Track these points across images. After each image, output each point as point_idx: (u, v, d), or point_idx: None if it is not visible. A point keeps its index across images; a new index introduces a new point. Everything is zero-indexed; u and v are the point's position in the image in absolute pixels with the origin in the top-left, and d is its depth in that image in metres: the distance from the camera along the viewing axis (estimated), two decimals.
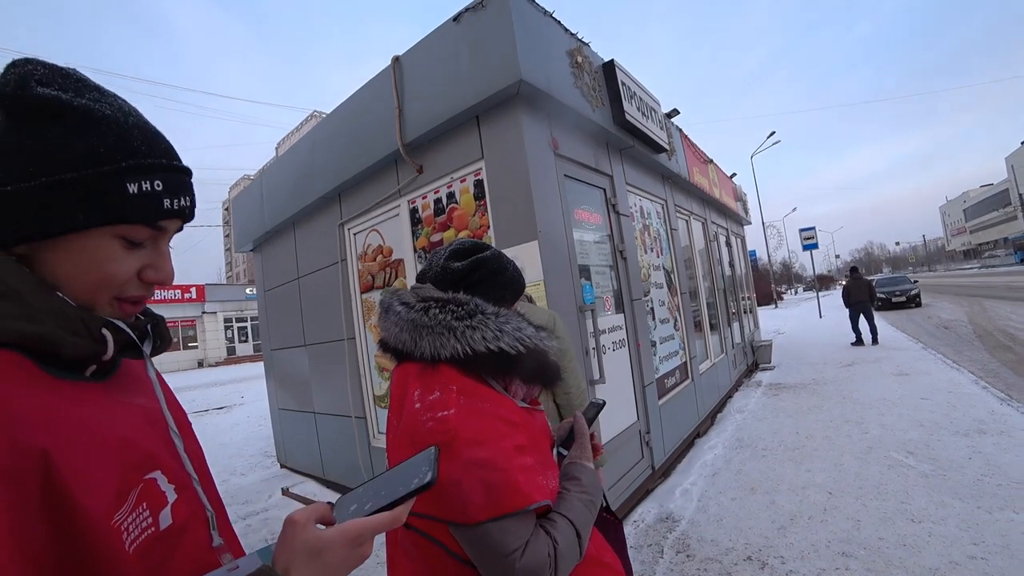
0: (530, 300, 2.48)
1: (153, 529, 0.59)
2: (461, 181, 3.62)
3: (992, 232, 76.83)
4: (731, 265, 9.73)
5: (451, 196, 3.70)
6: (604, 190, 4.31)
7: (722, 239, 9.25)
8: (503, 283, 1.10)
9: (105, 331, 0.62)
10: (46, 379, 0.56)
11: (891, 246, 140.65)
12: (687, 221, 7.10)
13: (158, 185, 0.63)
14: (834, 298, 37.53)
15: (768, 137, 25.27)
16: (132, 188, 0.61)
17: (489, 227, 3.42)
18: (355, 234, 4.70)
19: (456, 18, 3.37)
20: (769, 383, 8.14)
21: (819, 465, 4.27)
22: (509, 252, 3.17)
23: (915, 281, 21.72)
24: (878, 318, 13.08)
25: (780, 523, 3.38)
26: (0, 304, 0.54)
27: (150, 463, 0.62)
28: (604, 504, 1.94)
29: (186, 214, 0.69)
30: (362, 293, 4.65)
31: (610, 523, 1.83)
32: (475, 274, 1.08)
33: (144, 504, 0.59)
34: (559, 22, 3.69)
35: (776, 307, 32.27)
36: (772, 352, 10.14)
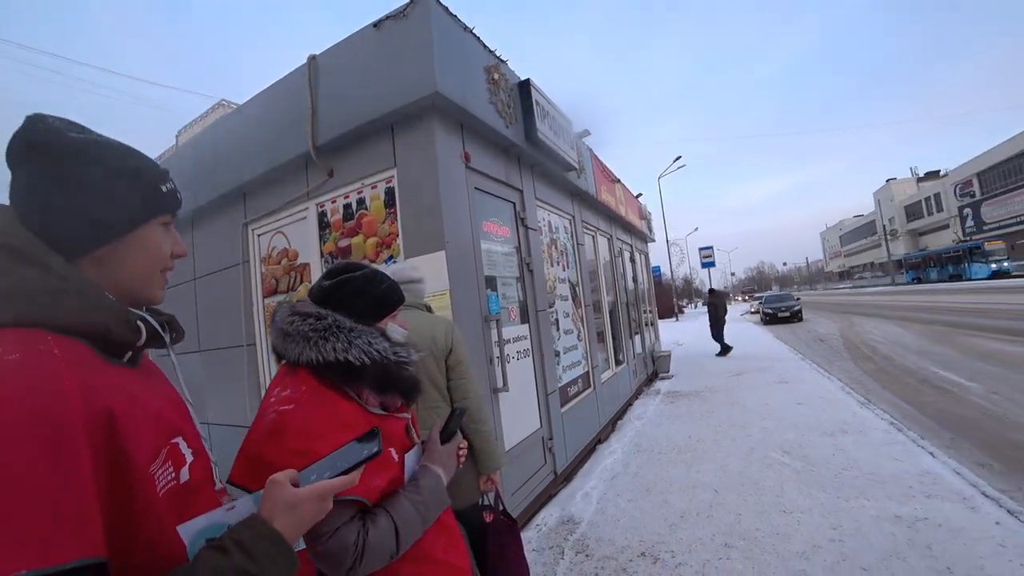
0: (428, 309, 2.51)
1: (175, 482, 0.76)
2: (372, 187, 3.63)
3: (863, 256, 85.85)
4: (634, 280, 10.25)
5: (361, 202, 3.69)
6: (514, 204, 4.45)
7: (626, 255, 9.74)
8: (368, 302, 1.23)
9: (139, 322, 0.79)
10: (101, 361, 0.73)
11: (779, 266, 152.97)
12: (594, 237, 7.43)
13: (171, 184, 0.88)
14: (730, 312, 40.11)
15: (674, 161, 26.84)
16: (164, 188, 0.85)
17: (398, 235, 3.45)
18: (259, 235, 4.54)
19: (377, 24, 3.39)
20: (667, 391, 8.63)
21: (707, 466, 4.62)
22: (416, 261, 3.22)
23: (798, 298, 24.53)
24: (767, 330, 14.27)
25: (671, 520, 3.64)
26: (71, 299, 0.70)
27: (175, 431, 0.80)
28: (501, 507, 2.04)
29: (181, 204, 0.91)
30: (265, 297, 4.48)
31: (505, 525, 1.92)
32: (339, 292, 1.21)
33: (170, 462, 0.76)
34: (478, 38, 3.80)
35: (677, 320, 34.06)
36: (671, 362, 10.78)
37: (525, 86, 4.44)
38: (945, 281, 40.23)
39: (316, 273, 3.99)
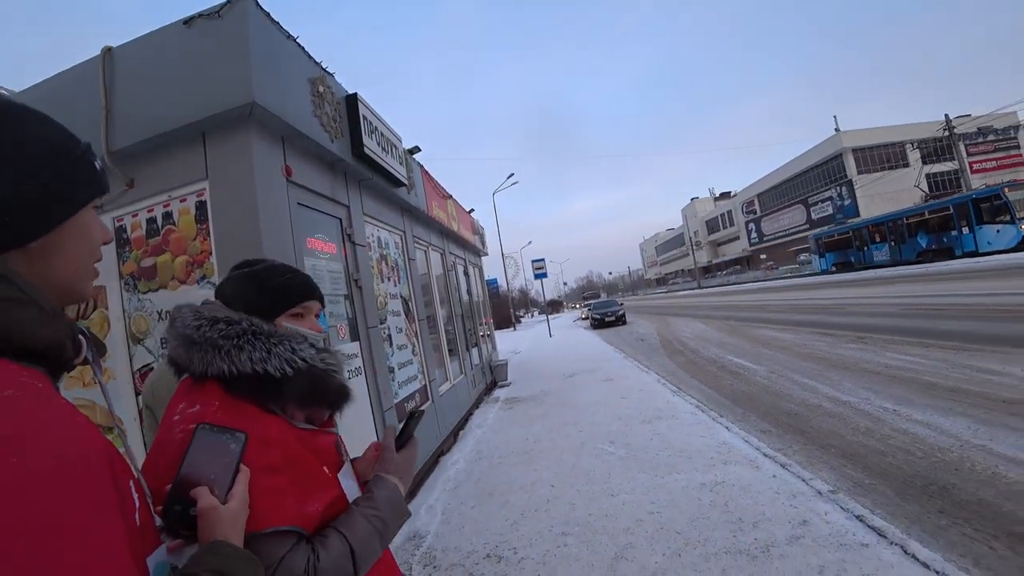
0: None
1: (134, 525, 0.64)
2: (181, 201, 3.31)
3: (675, 265, 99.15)
4: (468, 292, 10.54)
5: (168, 216, 3.35)
6: (340, 220, 4.36)
7: (460, 268, 9.98)
8: (264, 296, 1.09)
9: (80, 336, 0.67)
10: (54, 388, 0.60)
11: (606, 275, 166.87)
12: (425, 251, 7.52)
13: (100, 161, 0.72)
14: (562, 320, 42.96)
15: (508, 178, 28.04)
16: (97, 164, 0.70)
17: (211, 253, 3.19)
18: None
19: (187, 22, 3.12)
20: (506, 398, 9.00)
21: (544, 463, 4.92)
22: None
23: (622, 304, 28.02)
24: (596, 334, 15.89)
25: (513, 519, 3.82)
26: (25, 312, 0.57)
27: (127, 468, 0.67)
28: None
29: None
30: None
31: None
32: (228, 286, 1.10)
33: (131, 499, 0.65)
34: (303, 48, 3.68)
35: (515, 329, 35.55)
36: (508, 370, 11.21)
37: (352, 100, 4.40)
38: (912, 263, 26.08)
39: (113, 297, 3.52)
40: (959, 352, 6.59)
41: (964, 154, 34.35)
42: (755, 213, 63.34)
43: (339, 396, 1.10)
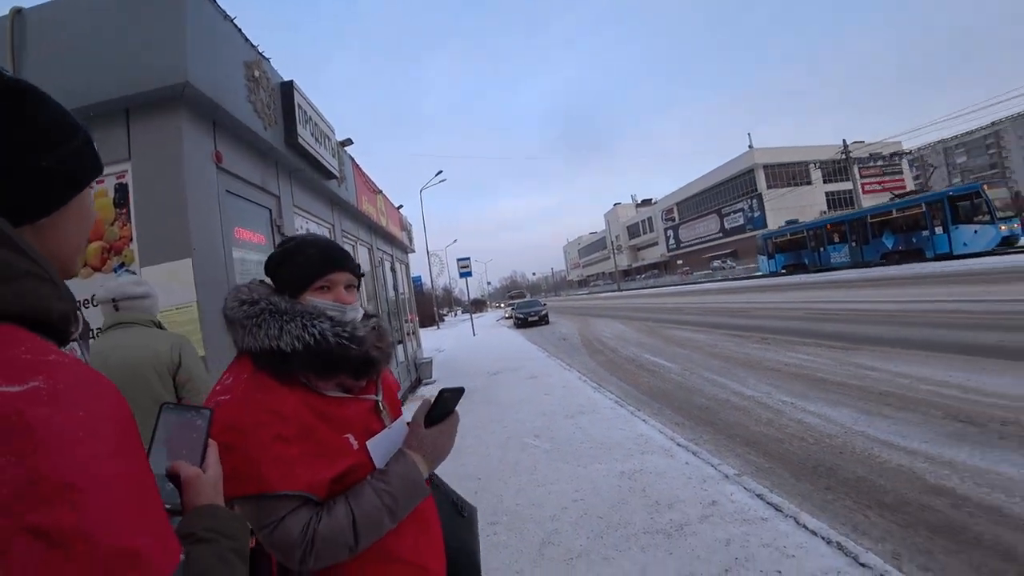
0: (159, 326, 2.31)
1: None
2: (98, 182, 3.10)
3: (597, 267, 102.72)
4: (395, 289, 10.43)
5: None
6: (270, 210, 4.24)
7: (387, 264, 9.87)
8: (290, 273, 1.14)
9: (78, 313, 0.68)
10: None
11: (530, 275, 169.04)
12: (354, 246, 7.39)
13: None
14: (486, 319, 43.19)
15: (436, 175, 27.84)
16: (96, 146, 0.71)
17: (132, 239, 3.01)
18: None
19: None
20: (430, 396, 8.97)
21: (471, 459, 4.97)
22: (155, 270, 2.88)
23: (545, 304, 28.52)
24: (519, 333, 16.33)
25: None
26: (43, 287, 0.58)
27: None
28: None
29: None
30: None
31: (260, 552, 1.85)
32: (269, 264, 1.17)
33: None
34: (240, 30, 3.55)
35: (438, 328, 35.31)
36: (433, 368, 11.19)
37: (288, 88, 4.28)
38: (877, 264, 24.35)
39: None
40: (846, 351, 7.44)
41: (858, 176, 38.03)
42: (674, 220, 66.99)
43: (361, 365, 1.10)
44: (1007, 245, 19.42)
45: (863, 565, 2.45)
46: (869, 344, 7.62)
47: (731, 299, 21.05)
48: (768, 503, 3.22)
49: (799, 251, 31.06)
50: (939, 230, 21.30)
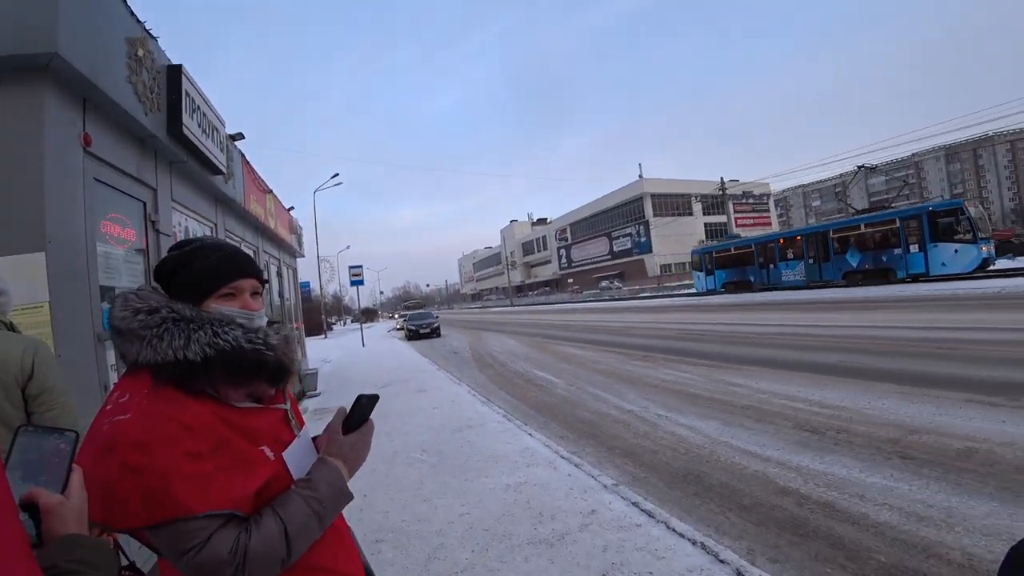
0: (11, 328, 1.97)
1: None
2: None
3: (490, 282, 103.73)
4: (281, 295, 9.89)
5: None
6: (144, 203, 3.83)
7: (273, 269, 9.34)
8: (191, 279, 1.05)
9: None
10: None
11: (424, 286, 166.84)
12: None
13: None
14: (377, 329, 42.05)
15: (332, 177, 26.85)
16: None
17: None
18: None
19: None
20: (315, 409, 8.54)
21: (357, 474, 4.78)
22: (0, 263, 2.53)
23: (437, 316, 28.36)
24: (410, 345, 16.64)
25: None
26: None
27: None
28: (127, 562, 1.78)
29: None
30: None
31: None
32: (162, 269, 1.07)
33: None
34: (125, 2, 3.23)
35: (326, 337, 33.83)
36: (318, 380, 10.69)
37: (176, 72, 3.94)
38: (833, 286, 22.30)
39: None
40: (715, 369, 8.26)
41: (731, 211, 42.13)
42: (567, 240, 70.06)
43: (277, 372, 1.06)
44: (981, 268, 17.94)
45: (722, 561, 2.74)
46: (735, 363, 8.47)
47: (616, 318, 22.34)
48: (642, 510, 3.45)
49: (744, 267, 28.21)
50: (914, 248, 19.15)
